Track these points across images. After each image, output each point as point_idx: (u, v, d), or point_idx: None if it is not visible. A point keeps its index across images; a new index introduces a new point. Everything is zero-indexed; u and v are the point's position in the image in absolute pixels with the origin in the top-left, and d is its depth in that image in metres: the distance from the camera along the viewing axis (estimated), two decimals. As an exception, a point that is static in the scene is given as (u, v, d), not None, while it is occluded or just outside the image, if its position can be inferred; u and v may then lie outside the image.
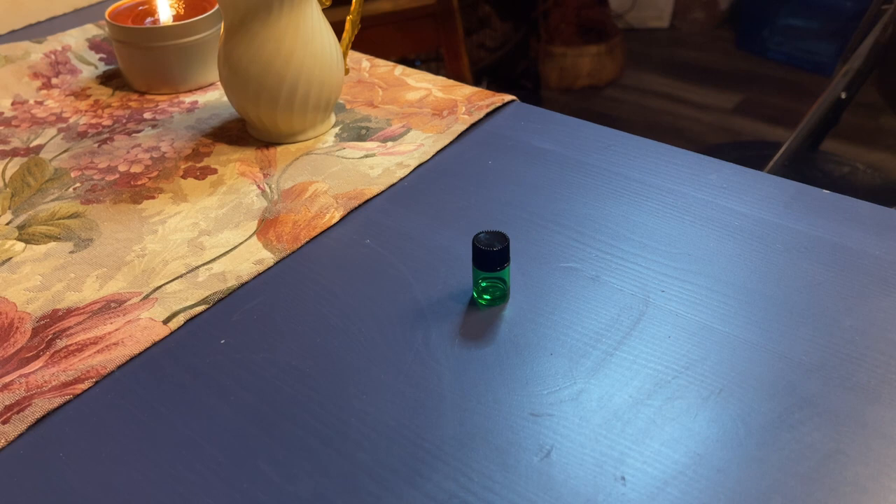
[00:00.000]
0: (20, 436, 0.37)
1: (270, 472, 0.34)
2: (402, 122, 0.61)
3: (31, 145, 0.61)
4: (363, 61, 0.71)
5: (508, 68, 2.02)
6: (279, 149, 0.58)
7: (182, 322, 0.43)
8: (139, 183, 0.55)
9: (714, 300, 0.42)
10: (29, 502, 0.34)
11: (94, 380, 0.39)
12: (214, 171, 0.56)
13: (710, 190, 0.51)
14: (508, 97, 0.63)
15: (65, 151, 0.60)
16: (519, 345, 0.40)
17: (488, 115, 0.61)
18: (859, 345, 0.39)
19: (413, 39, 1.57)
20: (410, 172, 0.55)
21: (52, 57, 0.73)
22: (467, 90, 0.64)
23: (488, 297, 0.43)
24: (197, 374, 0.40)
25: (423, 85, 0.66)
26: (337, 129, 0.60)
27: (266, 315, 0.43)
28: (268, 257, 0.47)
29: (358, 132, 0.60)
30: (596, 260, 0.46)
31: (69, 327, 0.43)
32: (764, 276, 0.43)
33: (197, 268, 0.47)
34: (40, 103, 0.67)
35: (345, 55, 0.59)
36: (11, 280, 0.47)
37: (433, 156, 0.57)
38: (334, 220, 0.50)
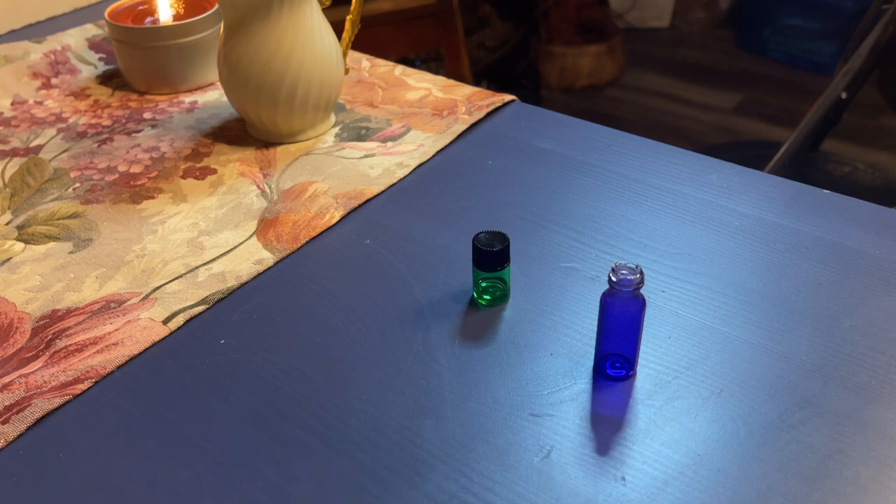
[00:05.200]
0: (20, 436, 0.37)
1: (270, 472, 0.34)
2: (402, 122, 0.61)
3: (31, 145, 0.61)
4: (363, 61, 0.71)
5: (508, 68, 2.01)
6: (279, 149, 0.58)
7: (182, 322, 0.43)
8: (139, 183, 0.55)
9: (714, 300, 0.42)
10: (28, 502, 0.34)
11: (93, 380, 0.39)
12: (214, 171, 0.56)
13: (711, 190, 0.51)
14: (508, 97, 0.63)
15: (64, 151, 0.60)
16: (519, 345, 0.40)
17: (488, 115, 0.61)
18: (860, 345, 0.38)
19: (413, 39, 1.57)
20: (410, 172, 0.55)
21: (52, 57, 0.73)
22: (467, 90, 0.64)
23: (488, 297, 0.43)
24: (197, 375, 0.39)
25: (423, 85, 0.66)
26: (337, 129, 0.60)
27: (266, 315, 0.43)
28: (267, 257, 0.47)
29: (358, 132, 0.60)
30: (596, 260, 0.45)
31: (69, 327, 0.43)
32: (764, 276, 0.43)
33: (196, 268, 0.47)
34: (40, 103, 0.67)
35: (345, 55, 0.59)
36: (11, 280, 0.47)
37: (433, 156, 0.56)
38: (334, 220, 0.50)
